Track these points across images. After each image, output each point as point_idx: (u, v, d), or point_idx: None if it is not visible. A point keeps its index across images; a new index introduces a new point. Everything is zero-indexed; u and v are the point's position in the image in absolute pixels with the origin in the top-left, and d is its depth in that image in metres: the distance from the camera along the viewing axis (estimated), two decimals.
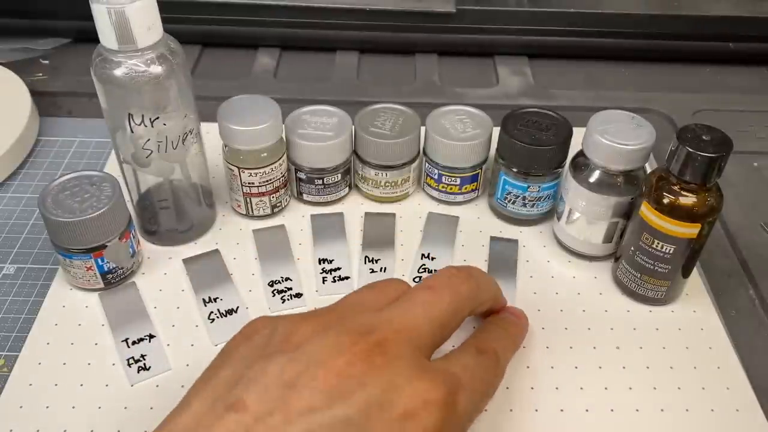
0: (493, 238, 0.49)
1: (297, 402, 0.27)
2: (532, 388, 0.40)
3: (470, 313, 0.36)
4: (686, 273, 0.43)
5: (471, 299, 0.35)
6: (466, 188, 0.50)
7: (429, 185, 0.51)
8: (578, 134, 0.45)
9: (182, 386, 0.39)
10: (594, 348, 0.42)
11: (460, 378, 0.31)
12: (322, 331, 0.30)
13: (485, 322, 0.40)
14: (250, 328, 0.33)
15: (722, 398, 0.40)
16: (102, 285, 0.44)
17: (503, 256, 0.47)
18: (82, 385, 0.39)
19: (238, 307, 0.43)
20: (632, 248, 0.43)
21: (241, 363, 0.30)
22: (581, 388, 0.40)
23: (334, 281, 0.45)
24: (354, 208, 0.51)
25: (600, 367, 0.41)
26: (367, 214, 0.50)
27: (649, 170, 0.43)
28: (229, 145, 0.46)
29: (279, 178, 0.48)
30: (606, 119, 0.44)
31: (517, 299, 0.45)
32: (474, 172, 0.50)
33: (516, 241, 0.49)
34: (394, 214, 0.50)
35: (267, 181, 0.47)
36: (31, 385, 0.39)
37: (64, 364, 0.40)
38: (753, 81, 0.67)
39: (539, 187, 0.47)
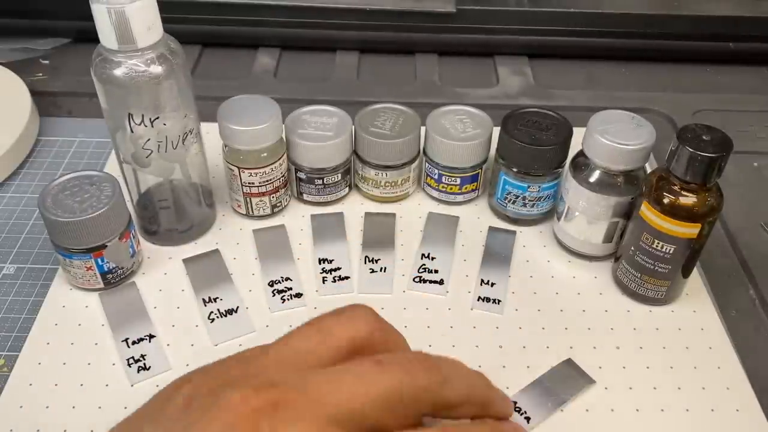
0: (491, 229, 0.49)
1: None
2: None
3: (433, 411, 0.29)
4: (686, 273, 0.43)
5: (429, 392, 0.28)
6: (466, 188, 0.50)
7: (429, 185, 0.51)
8: (578, 134, 0.45)
9: None
10: (594, 348, 0.42)
11: None
12: (217, 388, 0.26)
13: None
14: (170, 386, 0.29)
15: (722, 398, 0.40)
16: (102, 285, 0.44)
17: (499, 247, 0.48)
18: (82, 385, 0.39)
19: (238, 307, 0.43)
20: (632, 248, 0.43)
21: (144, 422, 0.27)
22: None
23: (334, 281, 0.45)
24: (354, 208, 0.51)
25: (600, 367, 0.41)
26: (367, 214, 0.50)
27: (649, 170, 0.43)
28: (229, 145, 0.46)
29: (279, 178, 0.48)
30: (606, 119, 0.44)
31: (516, 299, 0.45)
32: (474, 172, 0.50)
33: (514, 233, 0.49)
34: (394, 214, 0.50)
35: (267, 181, 0.47)
36: (31, 385, 0.39)
37: (64, 364, 0.40)
38: (753, 81, 0.67)
39: (539, 187, 0.47)
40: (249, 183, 0.47)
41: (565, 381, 0.40)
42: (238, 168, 0.46)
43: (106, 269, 0.43)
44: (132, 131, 0.41)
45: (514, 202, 0.49)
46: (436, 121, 0.50)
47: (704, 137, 0.38)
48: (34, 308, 0.43)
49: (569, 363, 0.41)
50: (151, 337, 0.42)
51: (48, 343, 0.41)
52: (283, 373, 0.27)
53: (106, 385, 0.39)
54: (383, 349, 0.30)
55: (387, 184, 0.50)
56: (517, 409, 0.38)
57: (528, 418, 0.38)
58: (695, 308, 0.45)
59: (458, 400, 0.29)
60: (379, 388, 0.26)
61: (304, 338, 0.29)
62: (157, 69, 0.39)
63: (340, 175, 0.50)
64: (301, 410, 0.25)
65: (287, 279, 0.45)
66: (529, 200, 0.48)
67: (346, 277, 0.46)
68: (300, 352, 0.28)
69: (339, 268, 0.46)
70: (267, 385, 0.25)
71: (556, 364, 0.40)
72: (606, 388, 0.40)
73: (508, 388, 0.39)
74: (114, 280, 0.44)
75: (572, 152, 0.47)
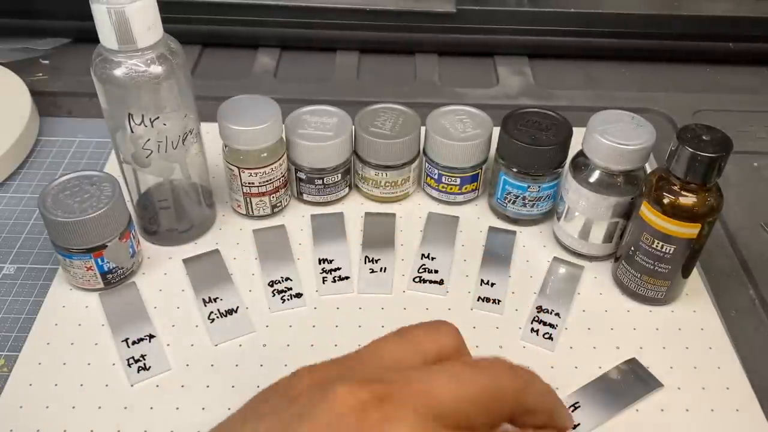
0: (491, 229, 0.49)
1: None
2: None
3: (512, 416, 0.30)
4: (686, 273, 0.43)
5: (513, 395, 0.29)
6: (466, 188, 0.50)
7: (429, 185, 0.51)
8: (578, 134, 0.45)
9: (182, 386, 0.39)
10: (594, 348, 0.42)
11: None
12: (325, 382, 0.27)
13: None
14: (278, 381, 0.30)
15: (722, 398, 0.40)
16: (102, 285, 0.44)
17: (499, 247, 0.48)
18: (82, 385, 0.39)
19: (238, 307, 0.43)
20: (632, 248, 0.43)
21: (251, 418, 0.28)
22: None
23: (334, 281, 0.45)
24: (354, 208, 0.51)
25: (600, 367, 0.41)
26: (367, 214, 0.50)
27: (649, 170, 0.43)
28: (229, 145, 0.46)
29: (279, 178, 0.48)
30: (606, 119, 0.44)
31: (516, 299, 0.45)
32: (474, 172, 0.50)
33: (514, 233, 0.49)
34: (394, 214, 0.50)
35: (267, 181, 0.47)
36: (31, 385, 0.39)
37: (64, 364, 0.40)
38: (753, 81, 0.67)
39: (539, 187, 0.47)
40: (249, 183, 0.47)
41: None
42: (238, 168, 0.46)
43: (106, 269, 0.43)
44: (132, 131, 0.41)
45: (514, 202, 0.49)
46: (436, 121, 0.50)
47: (704, 137, 0.38)
48: (34, 308, 0.43)
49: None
50: (151, 337, 0.42)
51: (48, 343, 0.41)
52: (384, 371, 0.28)
53: (106, 385, 0.39)
54: None
55: (387, 184, 0.50)
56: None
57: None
58: (695, 308, 0.45)
59: (534, 406, 0.30)
60: (474, 387, 0.27)
61: (394, 346, 0.30)
62: (157, 69, 0.39)
63: (340, 175, 0.50)
64: (407, 403, 0.25)
65: (287, 279, 0.45)
66: (529, 200, 0.48)
67: (346, 277, 0.46)
68: (392, 358, 0.29)
69: (339, 268, 0.46)
70: (372, 380, 0.26)
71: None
72: None
73: None
74: (114, 280, 0.44)
75: (572, 152, 0.47)
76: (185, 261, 0.46)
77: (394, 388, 0.26)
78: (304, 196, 0.51)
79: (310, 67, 0.67)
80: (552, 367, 0.41)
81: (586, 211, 0.45)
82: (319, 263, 0.47)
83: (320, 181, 0.49)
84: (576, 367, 0.41)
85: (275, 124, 0.46)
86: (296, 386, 0.28)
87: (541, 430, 0.32)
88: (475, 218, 0.51)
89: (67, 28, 0.68)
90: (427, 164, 0.50)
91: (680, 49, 0.68)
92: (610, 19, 0.66)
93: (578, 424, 0.38)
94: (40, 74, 0.64)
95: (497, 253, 0.48)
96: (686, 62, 0.69)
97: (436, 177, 0.50)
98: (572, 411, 0.38)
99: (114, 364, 0.40)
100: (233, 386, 0.39)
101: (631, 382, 0.40)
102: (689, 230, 0.40)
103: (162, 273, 0.46)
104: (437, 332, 0.31)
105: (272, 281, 0.45)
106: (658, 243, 0.41)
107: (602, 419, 0.38)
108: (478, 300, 0.45)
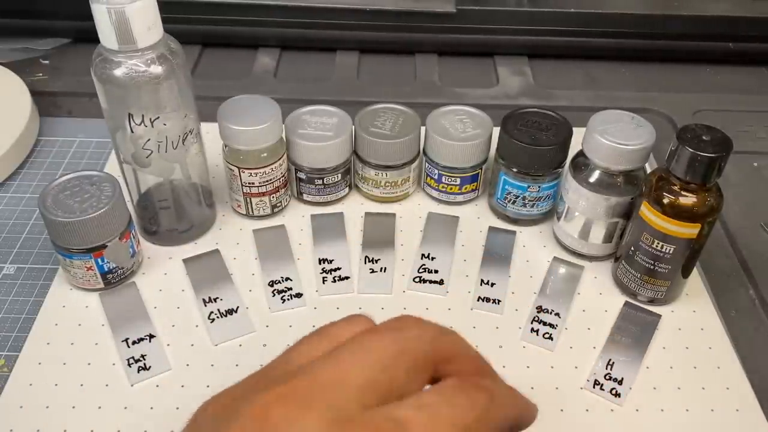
0: (491, 229, 0.49)
1: None
2: (532, 387, 0.40)
3: (435, 370, 0.27)
4: (686, 273, 0.43)
5: (427, 342, 0.27)
6: (466, 188, 0.50)
7: (429, 185, 0.51)
8: (578, 134, 0.45)
9: (182, 386, 0.39)
10: (594, 348, 0.42)
11: (409, 422, 0.23)
12: (240, 397, 0.26)
13: None
14: (196, 411, 0.29)
15: (722, 398, 0.40)
16: (102, 285, 0.44)
17: (499, 247, 0.48)
18: (82, 385, 0.39)
19: (238, 307, 0.43)
20: (632, 248, 0.43)
21: None
22: (581, 388, 0.40)
23: (334, 281, 0.45)
24: (354, 208, 0.51)
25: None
26: (367, 214, 0.50)
27: (649, 170, 0.43)
28: (229, 145, 0.46)
29: (279, 178, 0.48)
30: (606, 119, 0.44)
31: (516, 299, 0.45)
32: (474, 172, 0.50)
33: (514, 233, 0.49)
34: (394, 214, 0.50)
35: (267, 181, 0.47)
36: (31, 385, 0.39)
37: (64, 364, 0.40)
38: (753, 81, 0.67)
39: (539, 187, 0.47)
40: (249, 183, 0.47)
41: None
42: (238, 168, 0.46)
43: (106, 269, 0.43)
44: (132, 131, 0.41)
45: (514, 202, 0.49)
46: (436, 121, 0.50)
47: (704, 137, 0.38)
48: (34, 308, 0.43)
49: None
50: (151, 337, 0.42)
51: (48, 343, 0.41)
52: (293, 371, 0.26)
53: (106, 385, 0.39)
54: None
55: (387, 184, 0.50)
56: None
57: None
58: (695, 308, 0.45)
59: (452, 352, 0.28)
60: (383, 350, 0.26)
61: (309, 344, 0.29)
62: (157, 69, 0.39)
63: (340, 175, 0.50)
64: (311, 397, 0.24)
65: (287, 279, 0.45)
66: (529, 200, 0.48)
67: (346, 277, 0.46)
68: (307, 356, 0.28)
69: (339, 268, 0.46)
70: (276, 383, 0.25)
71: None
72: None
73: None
74: (114, 280, 0.44)
75: (572, 152, 0.47)
76: (185, 261, 0.46)
77: (298, 384, 0.24)
78: (304, 196, 0.51)
79: (310, 67, 0.67)
80: (552, 367, 0.41)
81: (586, 211, 0.45)
82: (319, 263, 0.47)
83: (320, 181, 0.49)
84: (576, 367, 0.41)
85: (275, 124, 0.46)
86: (213, 411, 0.26)
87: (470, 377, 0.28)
88: (475, 218, 0.51)
89: (67, 28, 0.68)
90: (427, 164, 0.50)
91: (680, 49, 0.68)
92: (610, 19, 0.66)
93: (622, 378, 0.40)
94: (40, 74, 0.64)
95: (497, 253, 0.48)
96: (686, 62, 0.69)
97: (436, 177, 0.50)
98: (610, 368, 0.40)
99: (114, 364, 0.40)
100: None
101: (638, 322, 0.43)
102: (689, 230, 0.40)
103: (162, 273, 0.46)
104: (350, 324, 0.29)
105: (272, 281, 0.45)
106: (658, 243, 0.41)
107: (637, 365, 0.41)
108: (478, 300, 0.45)
